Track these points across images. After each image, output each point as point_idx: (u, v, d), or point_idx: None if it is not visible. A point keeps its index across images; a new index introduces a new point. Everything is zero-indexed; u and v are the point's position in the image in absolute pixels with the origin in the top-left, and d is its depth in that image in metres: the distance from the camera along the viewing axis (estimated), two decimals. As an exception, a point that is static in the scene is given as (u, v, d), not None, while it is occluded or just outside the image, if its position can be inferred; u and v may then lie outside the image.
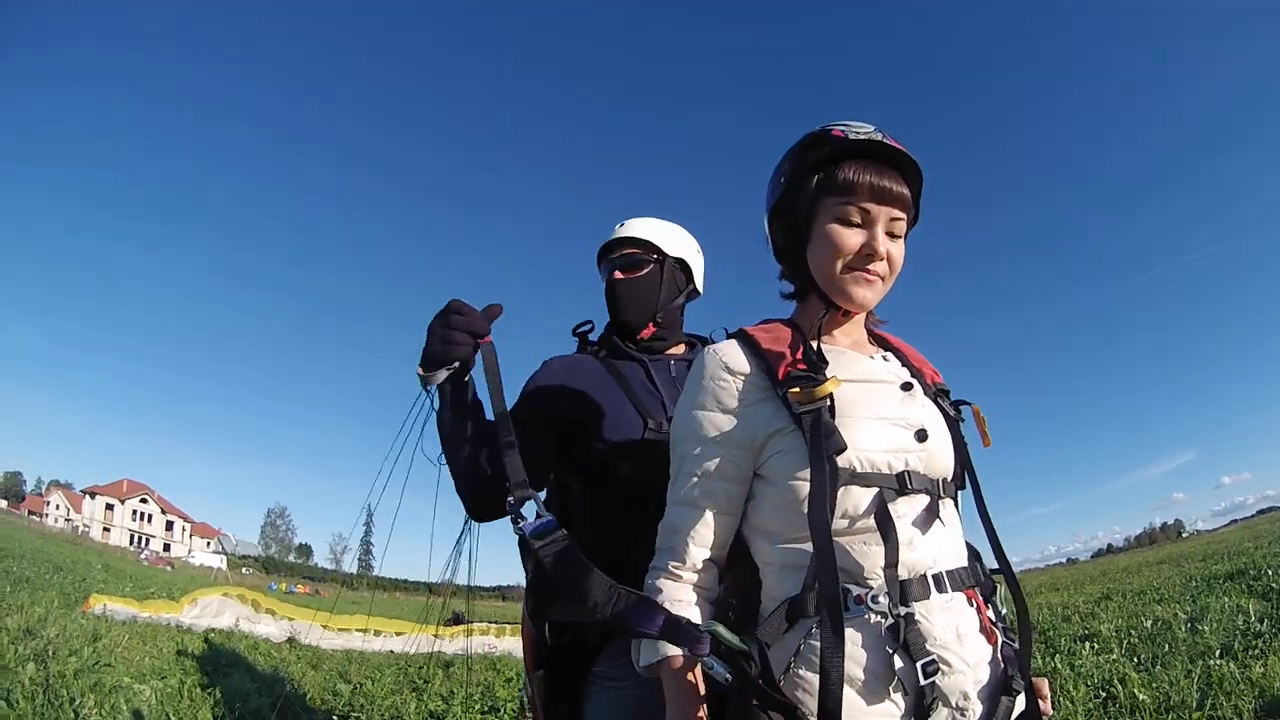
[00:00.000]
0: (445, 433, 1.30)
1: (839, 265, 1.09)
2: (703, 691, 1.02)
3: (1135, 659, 5.51)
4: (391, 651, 10.08)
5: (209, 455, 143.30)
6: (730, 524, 1.09)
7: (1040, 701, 1.08)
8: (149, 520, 69.30)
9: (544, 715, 1.48)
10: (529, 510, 1.14)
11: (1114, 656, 5.65)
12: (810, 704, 0.92)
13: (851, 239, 1.07)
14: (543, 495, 1.61)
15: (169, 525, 72.00)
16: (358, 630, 11.82)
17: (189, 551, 68.03)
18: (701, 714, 1.01)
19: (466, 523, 1.37)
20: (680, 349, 1.73)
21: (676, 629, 0.99)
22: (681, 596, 1.06)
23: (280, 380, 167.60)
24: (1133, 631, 6.97)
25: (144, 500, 68.80)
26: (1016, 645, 1.08)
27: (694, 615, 1.03)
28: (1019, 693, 1.02)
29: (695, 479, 1.08)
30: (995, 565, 1.14)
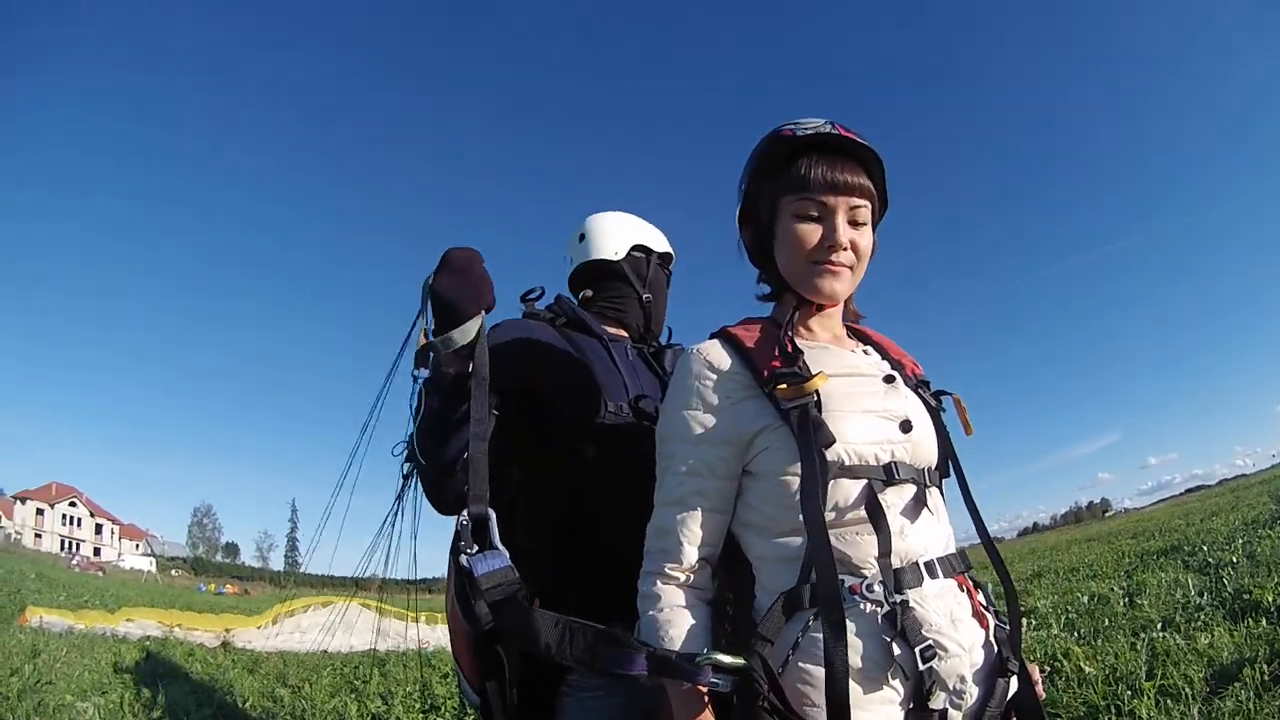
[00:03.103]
0: (436, 413, 1.20)
1: (803, 261, 1.11)
2: (707, 696, 1.00)
3: (1075, 633, 5.45)
4: (325, 651, 9.94)
5: (130, 452, 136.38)
6: (723, 522, 1.09)
7: (1034, 685, 1.09)
8: (79, 524, 65.95)
9: None
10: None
11: (1054, 632, 5.59)
12: (813, 695, 0.93)
13: (811, 233, 1.10)
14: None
15: (98, 529, 68.62)
16: (285, 615, 12.03)
17: (119, 555, 65.05)
18: (709, 716, 0.99)
19: (402, 496, 1.28)
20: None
21: (665, 665, 0.96)
22: (678, 600, 1.04)
23: (201, 374, 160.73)
24: (1070, 607, 6.88)
25: (73, 504, 65.40)
26: (1008, 628, 1.10)
27: (693, 619, 1.03)
28: (1014, 674, 1.05)
29: (685, 478, 1.07)
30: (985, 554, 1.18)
